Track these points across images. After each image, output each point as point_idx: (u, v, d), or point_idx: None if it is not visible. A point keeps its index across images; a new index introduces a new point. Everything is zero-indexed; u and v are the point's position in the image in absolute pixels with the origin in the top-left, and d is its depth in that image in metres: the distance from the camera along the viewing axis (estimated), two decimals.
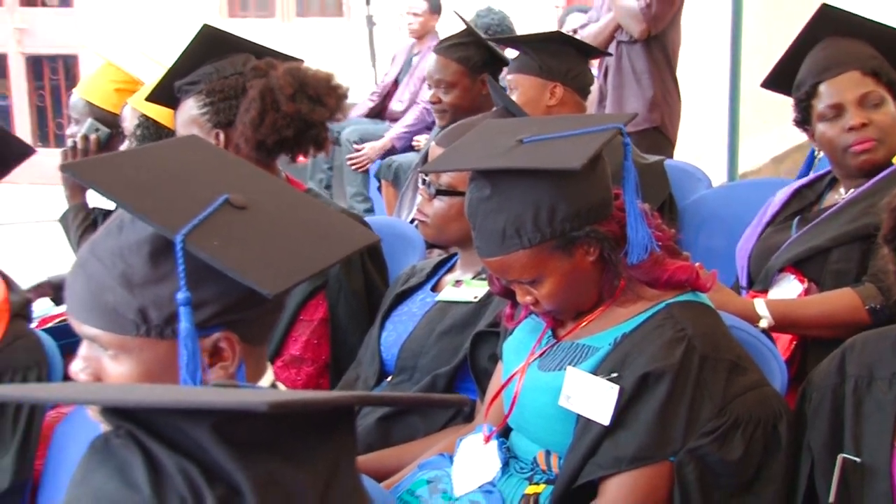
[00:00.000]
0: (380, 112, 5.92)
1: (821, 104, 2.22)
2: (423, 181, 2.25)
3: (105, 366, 1.19)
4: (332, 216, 1.43)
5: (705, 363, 1.64)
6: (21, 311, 1.88)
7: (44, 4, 9.54)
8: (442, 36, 6.11)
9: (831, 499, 1.59)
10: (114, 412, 0.79)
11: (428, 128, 5.31)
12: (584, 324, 1.77)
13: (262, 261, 1.15)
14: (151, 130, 2.81)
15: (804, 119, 2.28)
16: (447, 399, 1.03)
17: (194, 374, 1.13)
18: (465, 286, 2.19)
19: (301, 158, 2.50)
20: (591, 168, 1.65)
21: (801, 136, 6.79)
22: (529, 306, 1.77)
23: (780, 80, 2.43)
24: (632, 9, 4.28)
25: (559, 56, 3.21)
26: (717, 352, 1.66)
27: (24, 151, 2.00)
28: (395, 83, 5.91)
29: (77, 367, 1.22)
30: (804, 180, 2.37)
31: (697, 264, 1.80)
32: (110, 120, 3.29)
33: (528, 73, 3.23)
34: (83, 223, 3.19)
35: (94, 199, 3.31)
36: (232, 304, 1.17)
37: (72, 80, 9.08)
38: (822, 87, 2.23)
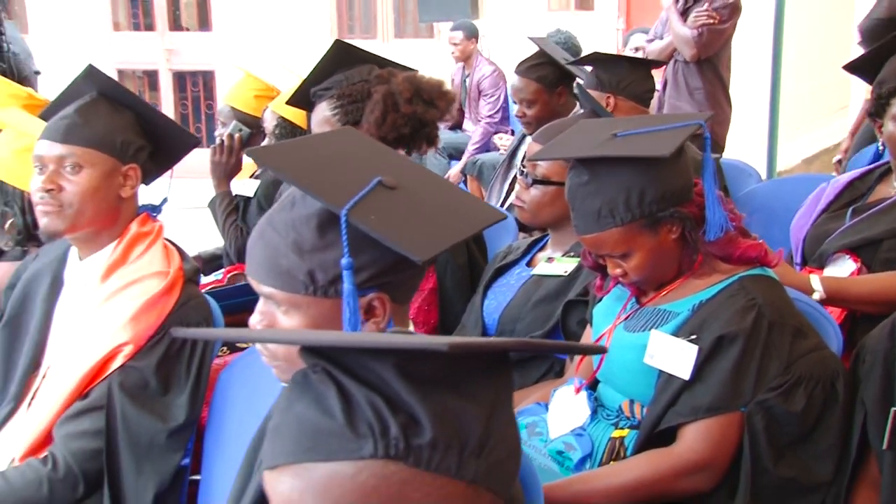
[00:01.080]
0: (459, 124, 5.99)
1: None
2: (522, 172, 2.24)
3: (278, 319, 1.20)
4: (465, 197, 1.43)
5: (773, 328, 1.61)
6: (193, 277, 1.91)
7: (187, 29, 9.70)
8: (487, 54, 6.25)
9: (885, 445, 1.55)
10: (312, 352, 0.79)
11: (490, 137, 5.48)
12: (664, 293, 1.74)
13: (412, 232, 1.15)
14: (287, 129, 2.84)
15: (877, 112, 2.16)
16: (588, 347, 1.01)
17: (355, 328, 1.13)
18: (556, 262, 2.17)
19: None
20: (677, 157, 1.63)
21: (827, 141, 6.58)
22: (618, 277, 1.74)
23: (864, 67, 2.33)
24: (685, 36, 4.24)
25: (611, 70, 3.23)
26: (783, 318, 1.63)
27: (191, 142, 2.00)
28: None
29: (255, 319, 1.22)
30: (856, 173, 2.29)
31: (761, 241, 1.76)
32: (251, 122, 3.35)
33: (588, 86, 3.27)
34: (228, 207, 3.24)
35: (237, 188, 3.37)
36: (385, 268, 1.17)
37: (209, 91, 9.26)
38: None
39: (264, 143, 3.01)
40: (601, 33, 7.52)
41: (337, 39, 2.53)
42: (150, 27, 9.47)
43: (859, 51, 5.55)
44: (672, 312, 1.70)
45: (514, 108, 3.73)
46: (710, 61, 4.32)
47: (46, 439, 1.80)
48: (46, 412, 1.80)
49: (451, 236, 1.23)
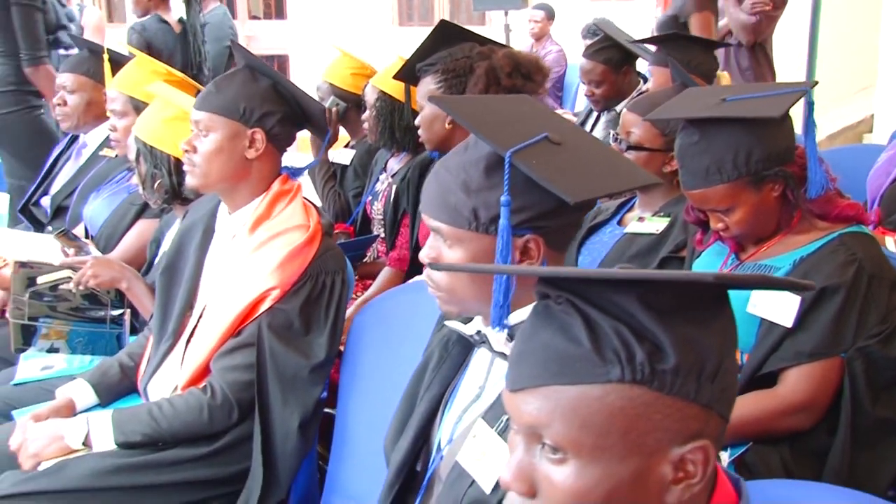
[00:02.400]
0: None
1: None
2: (615, 139, 2.18)
3: (443, 252, 1.19)
4: (622, 159, 1.40)
5: (872, 281, 1.56)
6: (328, 231, 1.89)
7: (265, 18, 9.69)
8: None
9: None
10: (553, 285, 0.77)
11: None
12: (764, 248, 1.69)
13: (568, 178, 1.12)
14: (387, 103, 2.80)
15: None
16: (795, 282, 0.97)
17: (506, 263, 1.11)
18: (647, 221, 2.12)
19: None
20: (783, 119, 1.59)
21: (850, 118, 6.39)
22: (720, 232, 1.70)
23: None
24: (743, 21, 4.12)
25: (681, 50, 3.12)
26: (881, 272, 1.58)
27: (320, 109, 1.96)
28: None
29: (424, 252, 1.22)
30: None
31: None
32: (347, 96, 3.32)
33: (660, 64, 3.17)
34: (326, 174, 3.22)
35: (333, 157, 3.35)
36: (543, 213, 1.14)
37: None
38: None
39: (364, 115, 2.97)
40: (640, 21, 7.36)
41: (442, 20, 2.49)
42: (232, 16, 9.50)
43: (888, 32, 5.39)
44: (773, 267, 1.65)
45: (583, 89, 3.67)
46: (759, 43, 4.20)
47: (204, 372, 1.81)
48: (204, 348, 1.80)
49: (605, 188, 1.20)
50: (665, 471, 0.73)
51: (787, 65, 5.32)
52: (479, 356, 1.27)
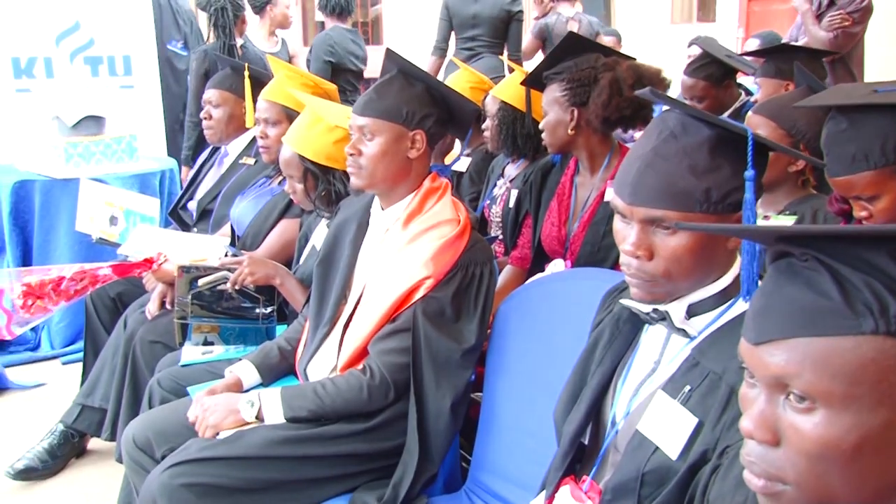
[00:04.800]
0: None
1: None
2: None
3: (658, 240, 1.16)
4: None
5: None
6: (475, 225, 1.91)
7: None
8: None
9: None
10: (797, 243, 0.76)
11: None
12: None
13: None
14: (509, 112, 2.82)
15: None
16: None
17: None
18: (773, 219, 2.08)
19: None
20: None
21: None
22: (863, 220, 1.65)
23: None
24: (821, 38, 4.03)
25: (790, 61, 3.05)
26: None
27: (473, 108, 1.99)
28: None
29: (632, 247, 1.17)
30: None
31: None
32: None
33: (767, 76, 3.15)
34: None
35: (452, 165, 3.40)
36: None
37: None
38: None
39: (484, 125, 3.00)
40: (722, 42, 7.25)
41: (570, 31, 2.49)
42: None
43: None
44: None
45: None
46: (841, 59, 4.08)
47: (361, 355, 1.85)
48: (362, 333, 1.85)
49: None
50: None
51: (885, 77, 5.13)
52: (652, 333, 1.26)
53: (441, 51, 4.94)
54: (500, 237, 2.90)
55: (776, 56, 3.22)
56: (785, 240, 0.76)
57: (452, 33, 4.91)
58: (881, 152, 1.55)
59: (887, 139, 1.54)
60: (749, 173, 1.09)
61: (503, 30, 4.83)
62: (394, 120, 1.87)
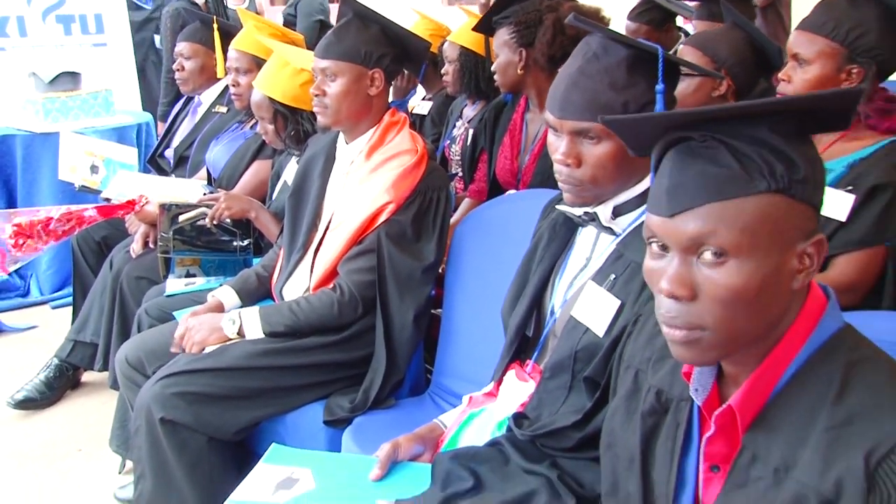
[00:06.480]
0: None
1: None
2: None
3: (585, 150, 1.26)
4: None
5: None
6: (432, 154, 2.00)
7: None
8: None
9: None
10: (696, 127, 0.85)
11: None
12: (821, 151, 1.75)
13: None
14: (470, 57, 2.89)
15: None
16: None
17: None
18: None
19: None
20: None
21: None
22: (778, 87, 1.75)
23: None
24: None
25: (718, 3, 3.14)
26: None
27: (425, 46, 2.06)
28: None
29: (562, 156, 1.27)
30: None
31: None
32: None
33: (701, 19, 3.29)
34: None
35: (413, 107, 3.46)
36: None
37: None
38: None
39: (443, 70, 3.06)
40: None
41: None
42: None
43: None
44: (828, 170, 1.71)
45: None
46: (771, 3, 4.14)
47: (331, 275, 1.95)
48: (331, 255, 1.94)
49: None
50: (794, 262, 0.84)
51: None
52: (584, 234, 1.38)
53: None
54: (461, 175, 2.99)
55: (710, 0, 3.28)
56: (689, 124, 0.86)
57: None
58: (846, 34, 1.65)
59: (859, 29, 1.64)
60: (659, 87, 1.19)
61: None
62: (353, 61, 1.93)
